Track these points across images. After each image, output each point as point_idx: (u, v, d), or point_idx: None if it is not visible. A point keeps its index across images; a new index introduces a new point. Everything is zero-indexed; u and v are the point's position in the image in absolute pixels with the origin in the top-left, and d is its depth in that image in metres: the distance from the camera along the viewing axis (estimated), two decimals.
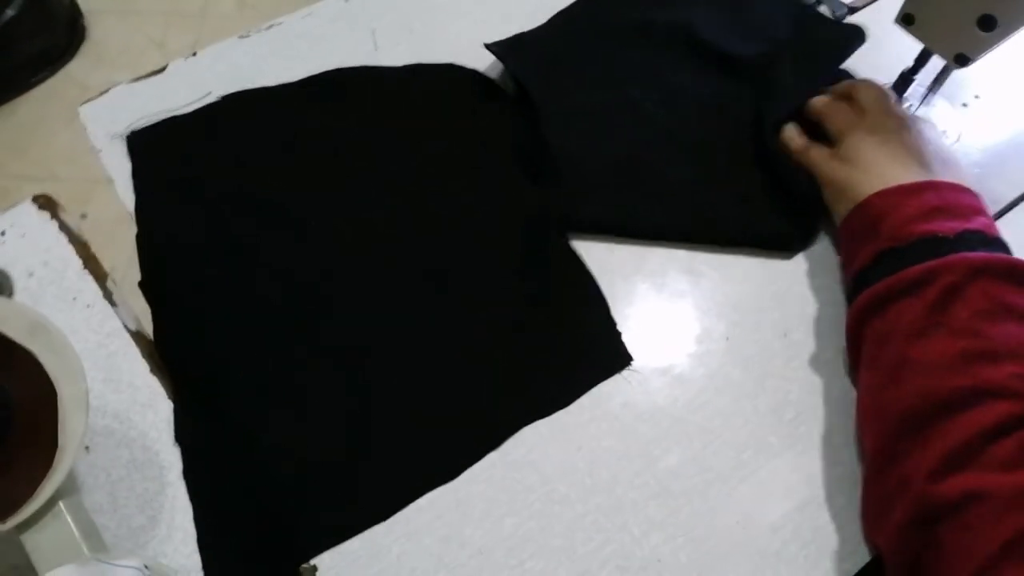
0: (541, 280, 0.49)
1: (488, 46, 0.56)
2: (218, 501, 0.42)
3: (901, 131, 0.48)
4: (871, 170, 0.46)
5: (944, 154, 0.48)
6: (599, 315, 0.48)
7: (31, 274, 0.48)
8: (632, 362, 0.47)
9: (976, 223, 0.43)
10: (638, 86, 0.56)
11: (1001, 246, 0.43)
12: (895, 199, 0.44)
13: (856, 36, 0.56)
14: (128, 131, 0.52)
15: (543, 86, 0.54)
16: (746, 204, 0.51)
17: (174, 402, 0.44)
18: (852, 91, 0.52)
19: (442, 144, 0.54)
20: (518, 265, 0.50)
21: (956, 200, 0.44)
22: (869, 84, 0.52)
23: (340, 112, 0.55)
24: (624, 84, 0.56)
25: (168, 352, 0.46)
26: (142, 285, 0.47)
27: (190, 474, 0.43)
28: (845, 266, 0.48)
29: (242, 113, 0.54)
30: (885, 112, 0.49)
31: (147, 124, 0.53)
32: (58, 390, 0.36)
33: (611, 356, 0.47)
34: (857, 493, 0.43)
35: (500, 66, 0.57)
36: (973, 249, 0.41)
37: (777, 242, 0.50)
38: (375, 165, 0.53)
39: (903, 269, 0.41)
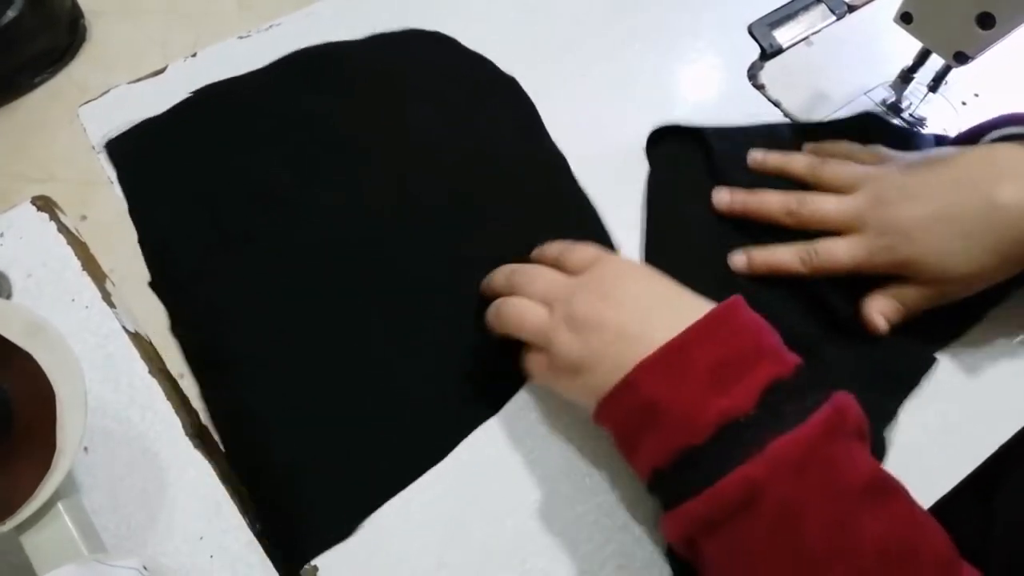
0: (553, 228, 0.49)
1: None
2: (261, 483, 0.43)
3: (593, 292, 0.39)
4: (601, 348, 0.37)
5: (658, 289, 0.39)
6: None
7: (30, 275, 0.48)
8: None
9: (765, 367, 0.34)
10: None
11: (801, 377, 0.35)
12: (659, 376, 0.35)
13: None
14: (105, 140, 0.52)
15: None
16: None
17: (204, 398, 0.45)
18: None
19: (427, 109, 0.55)
20: (531, 218, 0.50)
21: (729, 342, 0.35)
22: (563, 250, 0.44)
23: (316, 89, 0.55)
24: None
25: (190, 346, 0.46)
26: (152, 285, 0.47)
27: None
28: (620, 446, 0.38)
29: (217, 104, 0.54)
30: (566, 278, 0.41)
31: (122, 131, 0.52)
32: (56, 391, 0.36)
33: None
34: None
35: (465, 32, 0.58)
36: (781, 420, 0.33)
37: None
38: (360, 137, 0.53)
39: (716, 480, 0.32)
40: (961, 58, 0.48)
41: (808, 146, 0.52)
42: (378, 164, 0.52)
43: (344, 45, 0.57)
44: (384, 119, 0.54)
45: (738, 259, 0.47)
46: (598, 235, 0.50)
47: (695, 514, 0.33)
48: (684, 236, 0.49)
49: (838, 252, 0.45)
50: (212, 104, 0.54)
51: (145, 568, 0.35)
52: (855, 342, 0.45)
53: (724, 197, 0.49)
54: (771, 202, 0.47)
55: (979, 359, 0.47)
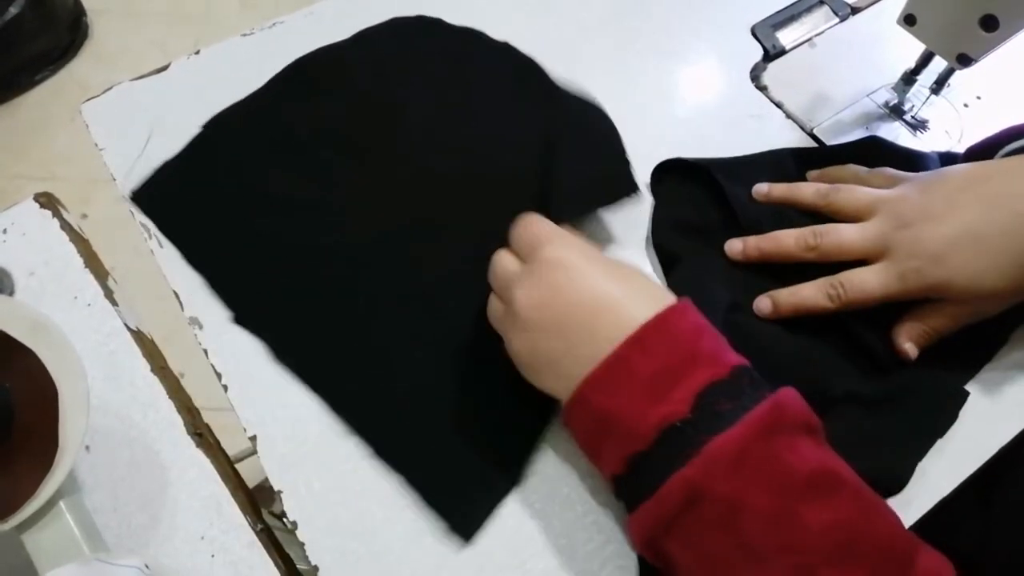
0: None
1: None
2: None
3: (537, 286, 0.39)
4: (548, 366, 0.39)
5: (602, 280, 0.38)
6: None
7: (32, 273, 0.48)
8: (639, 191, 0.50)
9: (700, 372, 0.35)
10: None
11: (738, 377, 0.35)
12: (602, 390, 0.36)
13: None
14: (129, 192, 0.50)
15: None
16: None
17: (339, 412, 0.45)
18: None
19: (428, 97, 0.55)
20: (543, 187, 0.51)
21: (665, 352, 0.36)
22: (523, 227, 0.42)
23: (316, 99, 0.55)
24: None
25: (304, 366, 0.46)
26: (238, 321, 0.47)
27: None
28: (587, 456, 0.40)
29: (227, 134, 0.54)
30: (513, 275, 0.40)
31: (144, 180, 0.51)
32: (59, 389, 0.36)
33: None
34: None
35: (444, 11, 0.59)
36: (719, 420, 0.34)
37: None
38: (368, 138, 0.53)
39: (662, 482, 0.34)
40: (964, 60, 0.48)
41: (813, 173, 0.52)
42: (401, 155, 0.53)
43: (334, 49, 0.57)
44: (389, 115, 0.54)
45: (763, 305, 0.46)
46: (614, 165, 0.51)
47: (649, 516, 0.35)
48: (701, 278, 0.48)
49: (868, 283, 0.43)
50: (222, 135, 0.53)
51: (147, 567, 0.35)
52: (888, 376, 0.44)
53: (736, 246, 0.48)
54: (787, 241, 0.46)
55: None
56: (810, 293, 0.45)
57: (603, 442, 0.37)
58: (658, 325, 0.36)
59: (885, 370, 0.44)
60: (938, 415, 0.44)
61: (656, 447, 0.34)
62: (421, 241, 0.50)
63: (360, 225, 0.50)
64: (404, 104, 0.55)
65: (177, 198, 0.51)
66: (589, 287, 0.38)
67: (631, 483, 0.36)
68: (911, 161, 0.51)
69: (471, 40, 0.58)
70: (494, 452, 0.43)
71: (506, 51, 0.58)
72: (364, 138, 0.53)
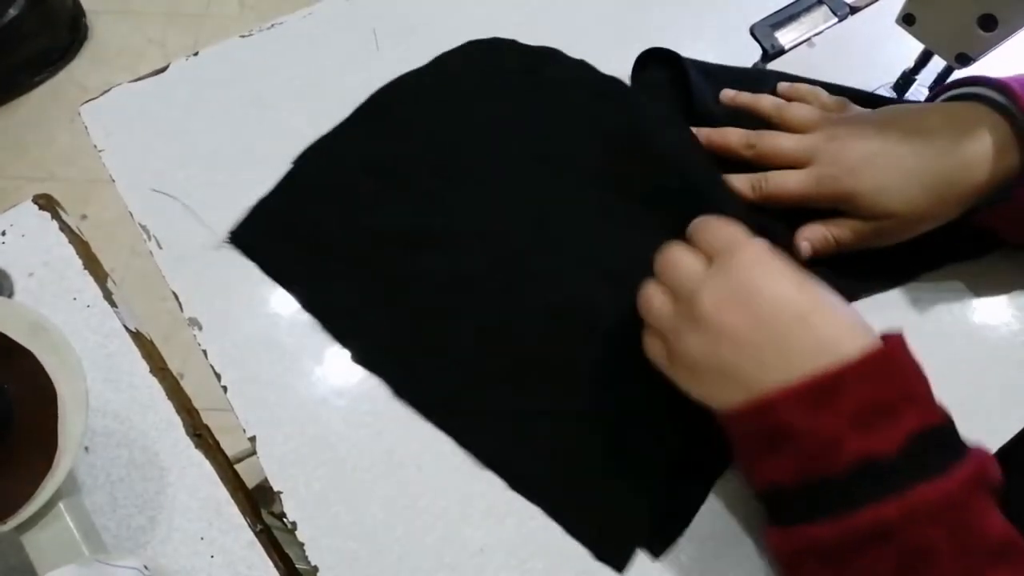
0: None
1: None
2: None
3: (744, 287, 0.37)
4: (737, 371, 0.36)
5: (807, 299, 0.37)
6: None
7: (31, 274, 0.48)
8: None
9: (915, 413, 0.34)
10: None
11: (948, 428, 0.35)
12: (801, 406, 0.34)
13: None
14: (228, 235, 0.49)
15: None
16: None
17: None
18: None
19: (514, 113, 0.55)
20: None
21: (883, 384, 0.34)
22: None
23: (409, 123, 0.54)
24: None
25: (439, 399, 0.46)
26: (358, 361, 0.46)
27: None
28: (738, 455, 0.39)
29: (323, 169, 0.52)
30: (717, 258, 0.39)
31: (241, 220, 0.50)
32: (58, 390, 0.36)
33: None
34: None
35: (466, 34, 0.58)
36: (924, 467, 0.33)
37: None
38: (472, 156, 0.53)
39: (845, 512, 0.33)
40: (963, 60, 0.48)
41: (782, 86, 0.54)
42: (500, 180, 0.52)
43: (413, 75, 0.56)
44: (480, 137, 0.54)
45: None
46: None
47: (817, 539, 0.34)
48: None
49: (788, 181, 0.47)
50: (315, 171, 0.52)
51: (146, 568, 0.35)
52: None
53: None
54: (732, 137, 0.50)
55: (979, 359, 0.47)
56: (737, 182, 0.49)
57: (774, 453, 0.35)
58: (884, 355, 0.35)
59: None
60: None
61: (850, 478, 0.33)
62: (542, 259, 0.49)
63: (475, 250, 0.49)
64: (492, 124, 0.54)
65: (280, 239, 0.50)
66: (788, 297, 0.37)
67: (800, 499, 0.35)
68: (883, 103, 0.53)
69: (547, 56, 0.57)
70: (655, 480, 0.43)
71: (584, 67, 0.56)
72: (461, 161, 0.53)
